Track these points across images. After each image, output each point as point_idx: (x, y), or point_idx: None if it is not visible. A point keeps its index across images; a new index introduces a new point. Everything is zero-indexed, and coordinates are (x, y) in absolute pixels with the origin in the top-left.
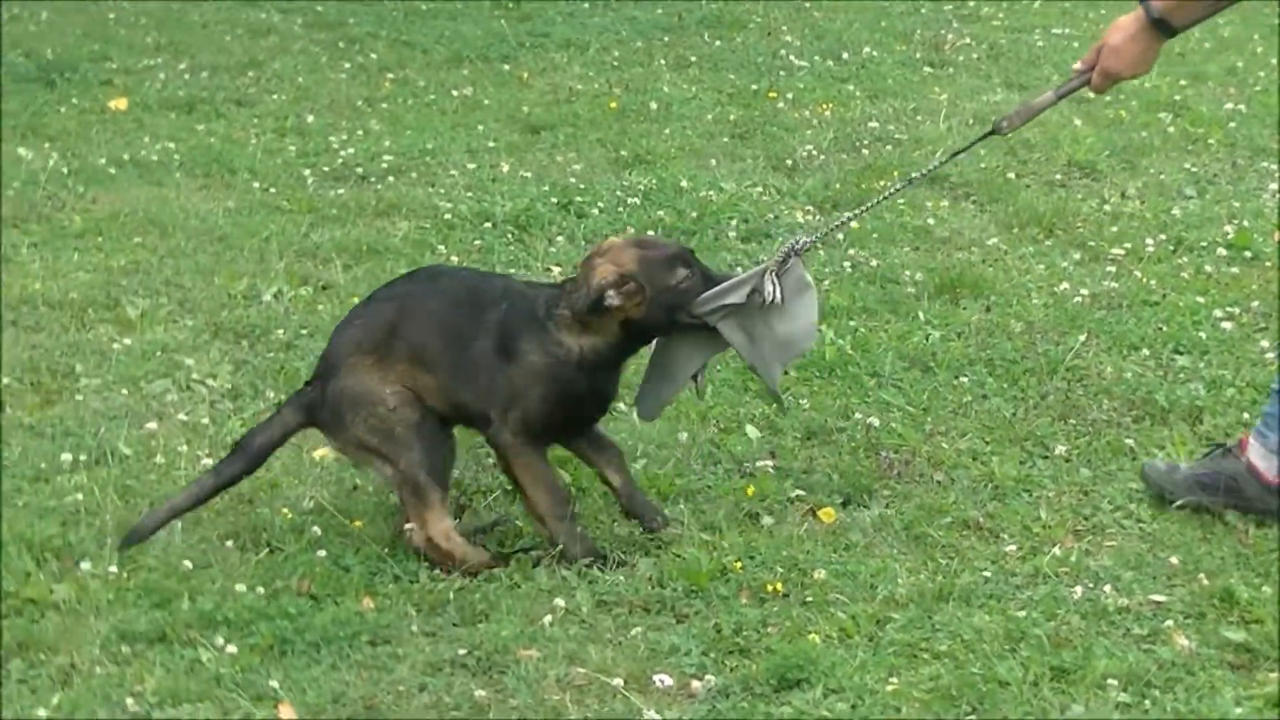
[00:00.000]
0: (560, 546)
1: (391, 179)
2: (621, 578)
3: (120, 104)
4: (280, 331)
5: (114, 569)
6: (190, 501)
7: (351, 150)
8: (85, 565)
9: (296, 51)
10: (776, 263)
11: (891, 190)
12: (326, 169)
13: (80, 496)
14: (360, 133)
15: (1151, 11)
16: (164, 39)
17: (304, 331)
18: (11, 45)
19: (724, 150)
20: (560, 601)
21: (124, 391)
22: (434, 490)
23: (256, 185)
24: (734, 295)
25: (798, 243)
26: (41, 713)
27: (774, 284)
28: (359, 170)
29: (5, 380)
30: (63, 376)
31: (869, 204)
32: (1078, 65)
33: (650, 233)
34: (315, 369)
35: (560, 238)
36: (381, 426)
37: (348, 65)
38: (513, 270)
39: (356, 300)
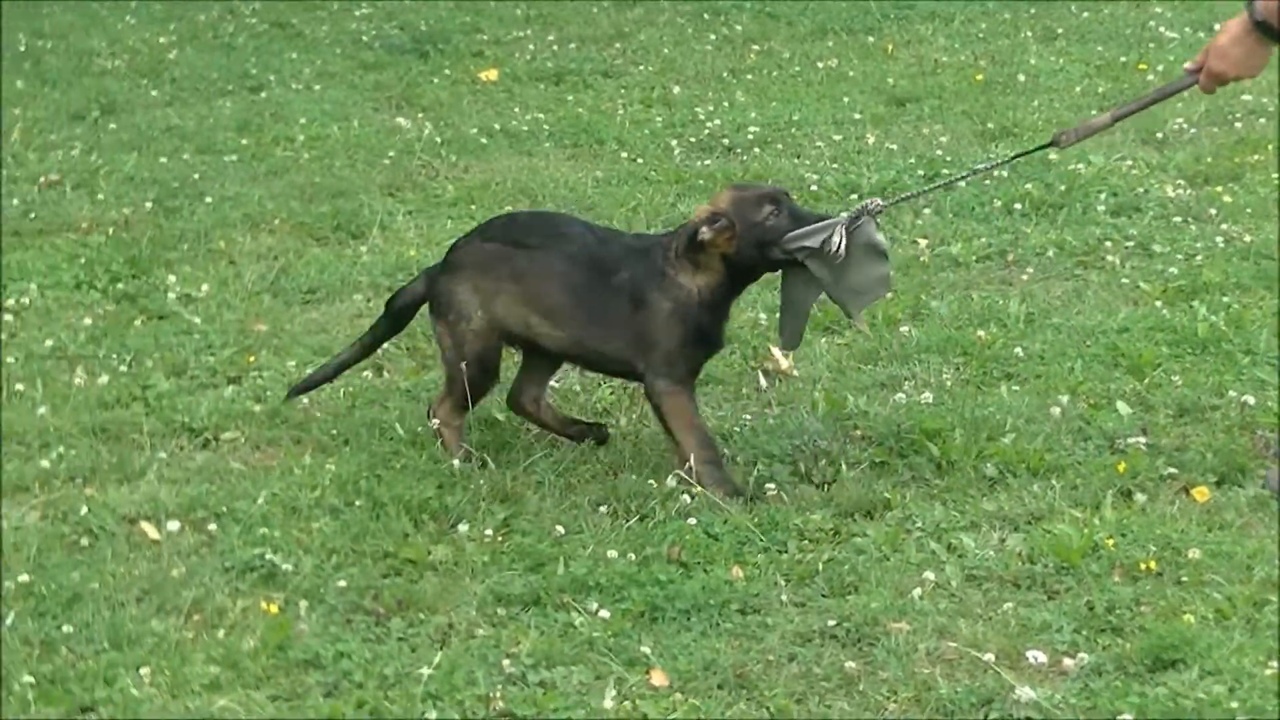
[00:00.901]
0: (700, 486)
1: (757, 150)
2: (991, 552)
3: (491, 75)
4: None
5: (489, 532)
6: (354, 356)
7: (717, 121)
8: (462, 527)
9: (662, 24)
10: (849, 218)
11: (967, 173)
12: (693, 140)
13: (456, 461)
14: (726, 104)
15: (1255, 14)
16: (533, 11)
17: None
18: (386, 17)
19: None
20: (929, 575)
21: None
22: (462, 396)
23: (624, 155)
24: (813, 239)
25: (870, 204)
26: (424, 670)
27: (841, 237)
28: (725, 141)
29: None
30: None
31: (946, 180)
32: (1188, 65)
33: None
34: (447, 253)
35: (927, 210)
36: (457, 335)
37: (713, 37)
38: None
39: None
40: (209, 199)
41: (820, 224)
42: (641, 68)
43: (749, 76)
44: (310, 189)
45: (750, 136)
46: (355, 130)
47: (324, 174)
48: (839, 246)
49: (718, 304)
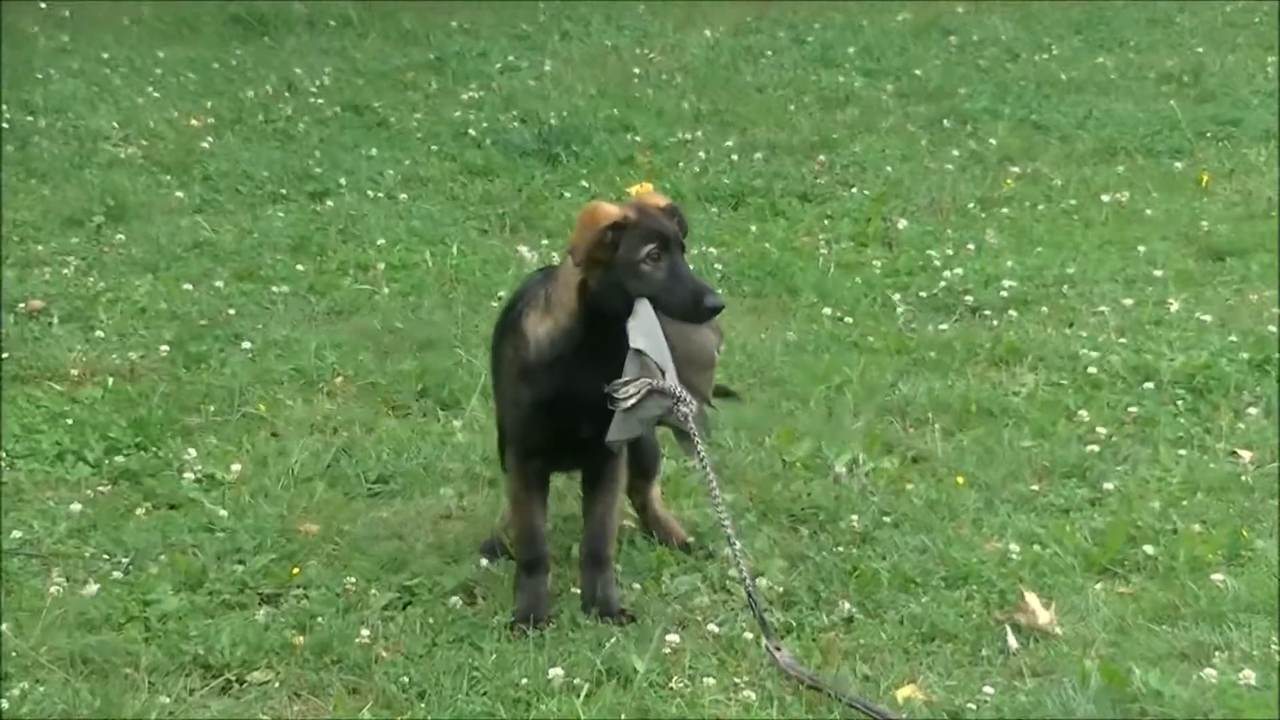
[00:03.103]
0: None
1: (1013, 313)
2: None
3: (645, 190)
4: (854, 518)
5: None
6: None
7: (959, 270)
8: None
9: (885, 130)
10: (666, 402)
11: None
12: (924, 294)
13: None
14: (971, 246)
15: None
16: (704, 105)
17: (887, 520)
18: (504, 105)
19: None
20: None
21: (636, 585)
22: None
23: (826, 312)
24: (640, 346)
25: (690, 406)
26: None
27: (639, 392)
28: (969, 299)
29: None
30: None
31: None
32: None
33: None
34: None
35: (1253, 409)
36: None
37: (956, 153)
38: (1182, 452)
39: (960, 481)
40: (247, 344)
41: (653, 361)
42: (854, 190)
43: (1004, 210)
44: (388, 338)
45: (1005, 294)
46: (454, 258)
47: (407, 318)
48: (630, 398)
49: (563, 355)
